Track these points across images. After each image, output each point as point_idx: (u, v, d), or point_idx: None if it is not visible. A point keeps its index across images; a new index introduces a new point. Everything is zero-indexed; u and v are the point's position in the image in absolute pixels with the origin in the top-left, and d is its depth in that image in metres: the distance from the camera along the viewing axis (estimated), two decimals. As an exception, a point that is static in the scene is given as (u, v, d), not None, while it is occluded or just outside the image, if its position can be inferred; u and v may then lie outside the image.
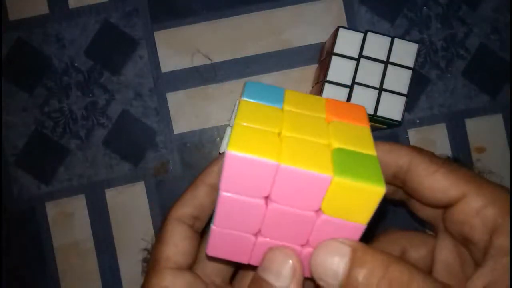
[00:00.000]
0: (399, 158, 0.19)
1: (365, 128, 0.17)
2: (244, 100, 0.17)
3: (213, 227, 0.17)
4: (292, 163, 0.14)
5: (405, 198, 0.21)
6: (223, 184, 0.15)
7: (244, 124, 0.16)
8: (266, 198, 0.15)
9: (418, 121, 0.38)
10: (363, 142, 0.16)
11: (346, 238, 0.16)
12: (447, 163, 0.18)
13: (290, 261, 0.16)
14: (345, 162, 0.15)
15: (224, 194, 0.15)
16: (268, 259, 0.16)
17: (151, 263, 0.19)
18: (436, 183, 0.18)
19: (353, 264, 0.15)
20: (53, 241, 0.37)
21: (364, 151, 0.15)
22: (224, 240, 0.17)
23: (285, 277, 0.16)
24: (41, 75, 0.38)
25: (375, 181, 0.14)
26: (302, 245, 0.16)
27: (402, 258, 0.16)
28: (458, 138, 0.38)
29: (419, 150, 0.19)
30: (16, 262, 0.37)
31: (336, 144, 0.15)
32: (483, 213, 0.16)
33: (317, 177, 0.14)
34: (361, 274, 0.15)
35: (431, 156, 0.18)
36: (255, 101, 0.17)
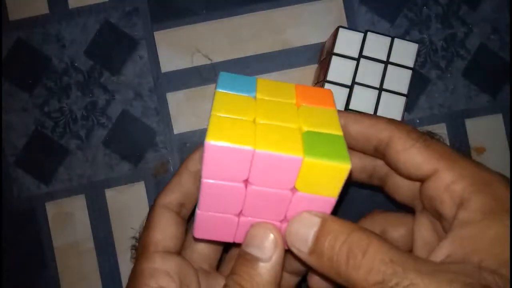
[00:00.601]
0: (380, 132, 0.19)
1: (331, 110, 0.18)
2: (219, 91, 0.19)
3: (197, 211, 0.18)
4: (266, 148, 0.16)
5: (382, 183, 0.22)
6: (204, 172, 0.16)
7: (220, 114, 0.17)
8: (245, 181, 0.17)
9: (418, 121, 0.38)
10: (330, 124, 0.17)
11: (319, 211, 0.17)
12: (423, 138, 0.19)
13: (271, 235, 0.17)
14: (314, 143, 0.16)
15: (206, 180, 0.17)
16: (251, 234, 0.18)
17: (140, 248, 0.20)
18: (411, 158, 0.18)
19: (321, 232, 0.16)
20: (53, 241, 0.37)
21: (331, 132, 0.17)
22: (209, 223, 0.19)
23: (267, 249, 0.17)
24: (41, 75, 0.38)
25: (341, 158, 0.16)
26: (281, 221, 0.18)
27: (364, 228, 0.17)
28: (458, 138, 0.38)
29: (398, 124, 0.20)
30: (16, 262, 0.37)
31: (306, 127, 0.17)
32: (452, 188, 0.17)
33: (289, 158, 0.16)
34: (326, 241, 0.16)
35: (409, 130, 0.19)
36: (229, 92, 0.19)
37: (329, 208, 0.17)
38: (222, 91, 0.19)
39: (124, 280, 0.37)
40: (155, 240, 0.19)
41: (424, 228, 0.19)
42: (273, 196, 0.17)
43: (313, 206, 0.17)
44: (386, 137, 0.19)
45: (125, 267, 0.37)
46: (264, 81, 0.20)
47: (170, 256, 0.19)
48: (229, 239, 0.19)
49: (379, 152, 0.20)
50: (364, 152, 0.21)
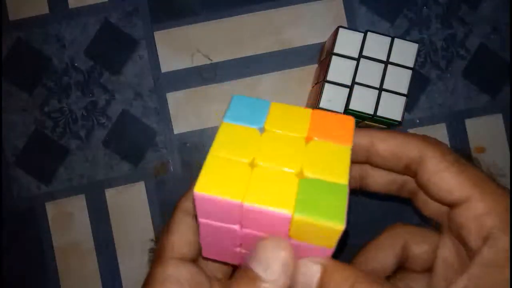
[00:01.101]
0: (411, 151, 0.18)
1: (345, 148, 0.16)
2: (225, 122, 0.18)
3: (200, 240, 0.18)
4: (255, 201, 0.15)
5: (411, 196, 0.21)
6: (198, 214, 0.16)
7: (218, 154, 0.16)
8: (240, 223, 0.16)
9: (418, 121, 0.38)
10: (337, 168, 0.16)
11: (319, 255, 0.16)
12: (458, 161, 0.18)
13: (282, 253, 0.15)
14: (309, 195, 0.15)
15: (201, 220, 0.16)
16: (259, 248, 0.16)
17: (157, 251, 0.20)
18: (444, 182, 0.18)
19: (322, 281, 0.16)
20: (53, 241, 0.37)
21: (334, 180, 0.15)
22: (214, 249, 0.18)
23: (274, 271, 0.15)
24: (41, 75, 0.38)
25: (334, 218, 0.14)
26: None
27: (368, 274, 0.16)
28: (458, 138, 0.38)
29: (433, 143, 0.18)
30: (16, 262, 0.37)
31: (306, 172, 0.16)
32: (481, 220, 0.17)
33: (278, 214, 0.14)
34: None
35: (443, 150, 0.18)
36: (235, 123, 0.18)
37: (328, 254, 0.16)
38: (229, 122, 0.17)
39: (124, 280, 0.37)
40: (172, 245, 0.19)
41: (447, 250, 0.19)
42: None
43: (311, 252, 0.16)
44: (417, 157, 0.18)
45: (125, 267, 0.37)
46: (277, 106, 0.18)
47: (184, 264, 0.19)
48: (235, 261, 0.19)
49: (410, 171, 0.19)
50: (393, 170, 0.20)
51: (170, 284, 0.18)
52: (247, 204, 0.15)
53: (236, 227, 0.16)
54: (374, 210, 0.38)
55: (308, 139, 0.17)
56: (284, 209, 0.14)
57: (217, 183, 0.15)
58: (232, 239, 0.17)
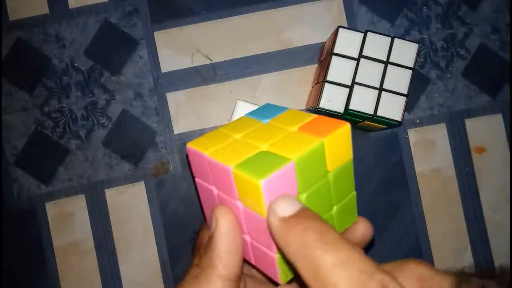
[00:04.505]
0: None
1: (316, 139, 0.17)
2: (245, 116, 0.21)
3: (202, 204, 0.21)
4: (213, 156, 0.18)
5: None
6: (194, 172, 0.20)
7: (220, 129, 0.20)
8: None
9: (418, 121, 0.38)
10: (295, 149, 0.17)
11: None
12: None
13: (225, 211, 0.18)
14: (254, 160, 0.17)
15: (197, 180, 0.20)
16: (214, 210, 0.18)
17: (203, 263, 0.19)
18: None
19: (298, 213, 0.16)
20: (53, 241, 0.37)
21: (283, 154, 0.17)
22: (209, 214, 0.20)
23: (220, 223, 0.18)
24: (41, 75, 0.38)
25: (258, 175, 0.16)
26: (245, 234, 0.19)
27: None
28: (458, 138, 0.38)
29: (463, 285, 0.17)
30: (16, 262, 0.37)
31: (269, 148, 0.18)
32: None
33: (222, 167, 0.17)
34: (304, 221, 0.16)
35: None
36: (251, 117, 0.21)
37: (265, 226, 0.17)
38: (247, 116, 0.21)
39: (124, 280, 0.37)
40: (220, 263, 0.18)
41: None
42: (231, 205, 0.18)
43: (258, 221, 0.17)
44: None
45: (125, 267, 0.37)
46: (291, 111, 0.21)
47: (230, 283, 0.18)
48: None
49: None
50: None
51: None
52: (207, 156, 0.18)
53: (214, 188, 0.19)
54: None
55: (296, 132, 0.19)
56: (227, 164, 0.17)
57: (204, 144, 0.19)
58: (215, 203, 0.19)
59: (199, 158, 0.19)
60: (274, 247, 0.17)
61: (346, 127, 0.18)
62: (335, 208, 0.19)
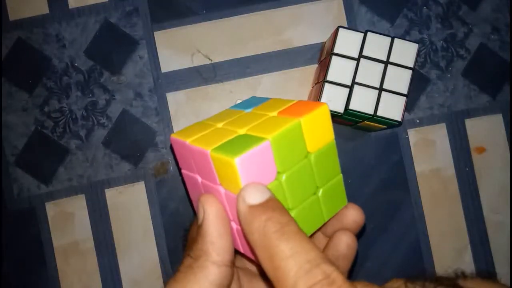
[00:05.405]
0: None
1: (292, 120, 0.18)
2: (228, 108, 0.22)
3: (190, 195, 0.22)
4: (193, 143, 0.18)
5: None
6: (179, 163, 0.20)
7: (203, 121, 0.21)
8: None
9: (418, 121, 0.38)
10: (270, 129, 0.17)
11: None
12: None
13: (211, 198, 0.18)
14: (231, 143, 0.17)
15: (183, 171, 0.20)
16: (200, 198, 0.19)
17: (196, 252, 0.19)
18: None
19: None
20: (53, 241, 0.37)
21: (258, 135, 0.17)
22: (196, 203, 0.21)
23: (206, 209, 0.18)
24: (41, 75, 0.38)
25: (233, 153, 0.16)
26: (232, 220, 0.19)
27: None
28: (458, 138, 0.38)
29: None
30: (16, 262, 0.37)
31: (246, 132, 0.18)
32: None
33: (201, 151, 0.17)
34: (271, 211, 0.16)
35: None
36: (234, 109, 0.21)
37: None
38: (230, 108, 0.22)
39: (124, 280, 0.37)
40: (213, 250, 0.19)
41: None
42: (215, 192, 0.18)
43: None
44: None
45: (125, 267, 0.37)
46: (274, 100, 0.21)
47: (226, 268, 0.19)
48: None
49: None
50: None
51: None
52: (188, 143, 0.18)
53: (198, 177, 0.19)
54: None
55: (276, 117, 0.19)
56: (205, 149, 0.17)
57: (187, 133, 0.19)
58: (199, 187, 0.20)
59: (182, 147, 0.19)
60: None
61: (324, 107, 0.18)
62: (321, 190, 0.19)
